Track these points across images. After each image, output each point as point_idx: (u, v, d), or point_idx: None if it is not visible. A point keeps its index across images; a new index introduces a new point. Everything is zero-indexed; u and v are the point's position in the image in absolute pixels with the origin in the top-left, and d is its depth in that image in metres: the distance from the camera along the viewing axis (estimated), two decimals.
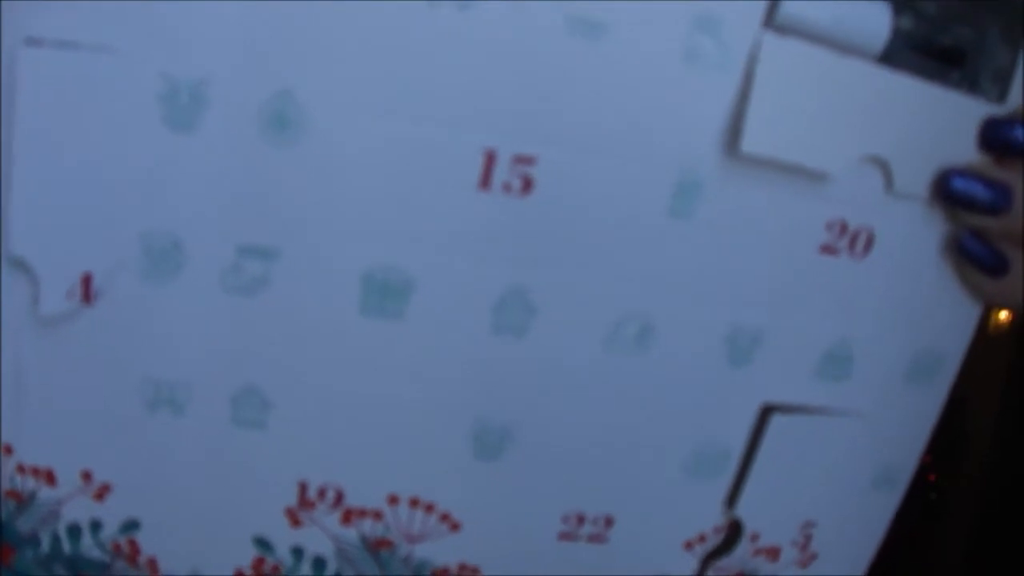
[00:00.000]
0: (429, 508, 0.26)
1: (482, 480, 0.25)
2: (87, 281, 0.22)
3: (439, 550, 0.26)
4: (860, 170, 0.24)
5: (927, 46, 0.24)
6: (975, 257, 0.25)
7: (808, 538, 0.28)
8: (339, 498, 0.25)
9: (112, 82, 0.21)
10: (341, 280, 0.23)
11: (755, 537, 0.28)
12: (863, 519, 0.28)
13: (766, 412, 0.26)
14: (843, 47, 0.23)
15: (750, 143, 0.22)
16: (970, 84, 0.24)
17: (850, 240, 0.25)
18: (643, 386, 0.25)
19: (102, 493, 0.25)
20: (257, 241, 0.22)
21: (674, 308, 0.24)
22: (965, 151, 0.24)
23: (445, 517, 0.26)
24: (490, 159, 0.22)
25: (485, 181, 0.22)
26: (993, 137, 0.24)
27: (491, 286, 0.23)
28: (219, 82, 0.21)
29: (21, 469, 0.24)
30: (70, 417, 0.24)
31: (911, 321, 0.26)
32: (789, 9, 0.22)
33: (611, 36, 0.22)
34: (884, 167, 0.24)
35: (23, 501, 0.25)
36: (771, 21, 0.22)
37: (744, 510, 0.27)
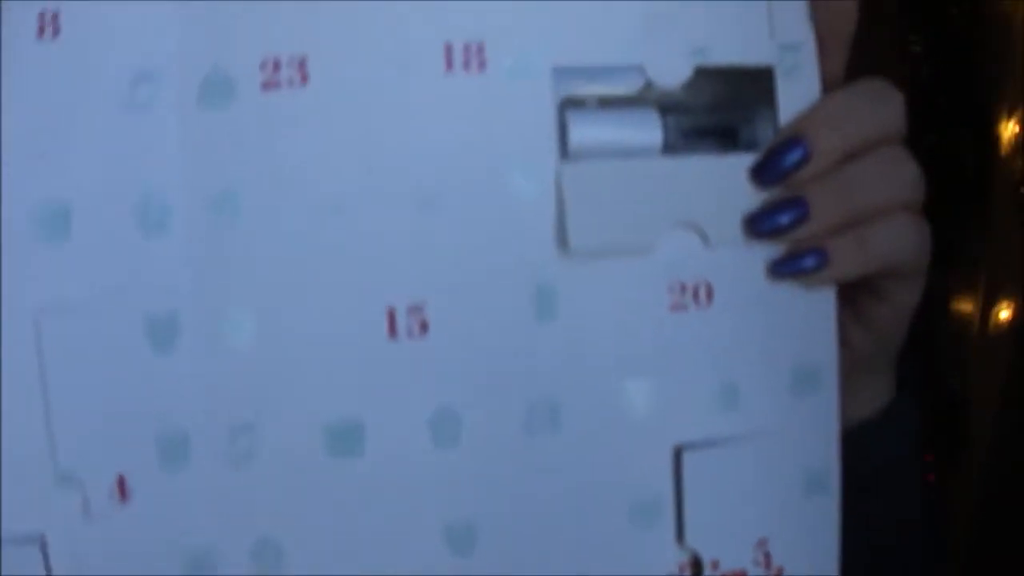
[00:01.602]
0: None
1: None
2: (122, 482, 0.29)
3: None
4: (677, 236, 0.30)
5: (701, 131, 0.31)
6: (794, 272, 0.31)
7: (767, 556, 0.32)
8: None
9: None
10: None
11: (716, 565, 0.32)
12: (810, 525, 0.32)
13: (678, 453, 0.31)
14: (630, 152, 0.30)
15: (577, 240, 0.29)
16: (747, 146, 0.31)
17: (693, 295, 0.31)
18: (563, 459, 0.30)
19: None
20: None
21: (579, 389, 0.30)
22: (759, 195, 0.31)
23: None
24: (392, 315, 0.29)
25: (392, 331, 0.29)
26: (765, 178, 0.31)
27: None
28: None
29: None
30: None
31: (776, 344, 0.32)
32: (575, 141, 0.30)
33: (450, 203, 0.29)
34: (696, 228, 0.30)
35: None
36: (564, 153, 0.30)
37: (695, 543, 0.31)
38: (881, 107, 0.31)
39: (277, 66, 0.28)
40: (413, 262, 0.29)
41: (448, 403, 0.30)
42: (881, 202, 0.31)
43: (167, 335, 0.29)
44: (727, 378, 0.31)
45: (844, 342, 0.34)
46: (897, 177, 0.31)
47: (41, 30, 0.28)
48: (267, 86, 0.28)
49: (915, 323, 0.35)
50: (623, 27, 0.30)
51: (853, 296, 0.33)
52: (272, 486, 0.30)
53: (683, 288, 0.31)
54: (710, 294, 0.31)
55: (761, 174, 0.31)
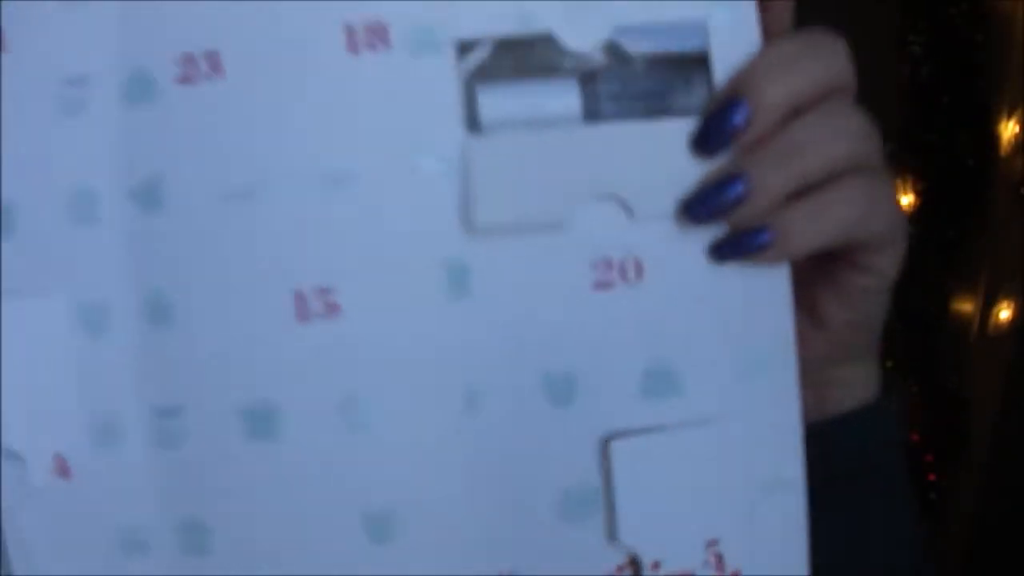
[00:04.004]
0: None
1: None
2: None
3: None
4: (598, 210, 0.28)
5: (628, 96, 0.29)
6: (742, 254, 0.28)
7: (719, 557, 0.29)
8: None
9: None
10: None
11: (657, 565, 0.29)
12: (771, 526, 0.29)
13: (605, 444, 0.29)
14: (548, 123, 0.28)
15: (484, 215, 0.28)
16: (680, 112, 0.29)
17: (619, 272, 0.29)
18: (483, 445, 0.29)
19: None
20: None
21: (497, 372, 0.29)
22: (690, 162, 0.28)
23: None
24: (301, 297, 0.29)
25: (302, 314, 0.29)
26: (709, 146, 0.28)
27: None
28: None
29: None
30: None
31: (717, 325, 0.29)
32: (486, 114, 0.28)
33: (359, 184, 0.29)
34: (619, 200, 0.28)
35: None
36: (473, 125, 0.28)
37: (631, 540, 0.29)
38: (826, 57, 0.28)
39: (192, 61, 0.29)
40: (322, 244, 0.29)
41: (359, 386, 0.29)
42: (833, 163, 0.28)
43: (98, 320, 0.30)
44: (661, 361, 0.29)
45: (819, 321, 0.31)
46: (847, 133, 0.28)
47: None
48: (184, 80, 0.29)
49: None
50: None
51: (829, 268, 0.30)
52: (197, 467, 0.30)
53: (608, 264, 0.29)
54: (640, 270, 0.29)
55: (703, 142, 0.28)
